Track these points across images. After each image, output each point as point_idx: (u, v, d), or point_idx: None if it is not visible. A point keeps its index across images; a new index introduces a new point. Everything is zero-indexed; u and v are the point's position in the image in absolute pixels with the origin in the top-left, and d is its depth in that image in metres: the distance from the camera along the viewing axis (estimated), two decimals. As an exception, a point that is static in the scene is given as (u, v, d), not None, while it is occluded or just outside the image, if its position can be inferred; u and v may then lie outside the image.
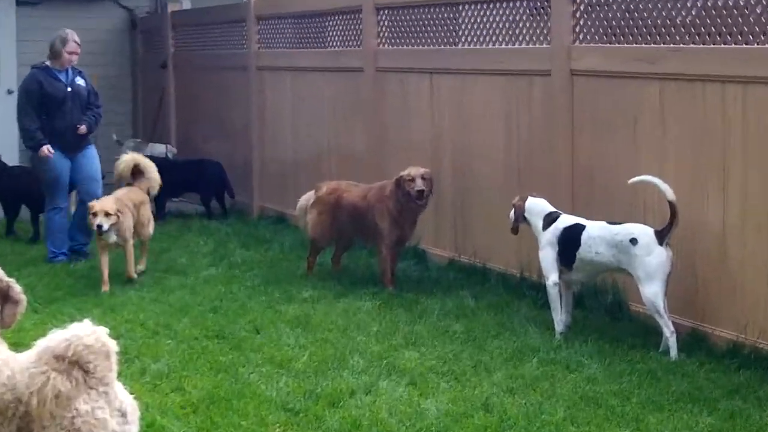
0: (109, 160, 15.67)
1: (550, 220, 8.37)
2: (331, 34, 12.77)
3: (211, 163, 14.68)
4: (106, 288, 10.05)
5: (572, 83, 9.08)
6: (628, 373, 7.31)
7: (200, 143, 15.81)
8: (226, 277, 10.42)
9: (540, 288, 9.25)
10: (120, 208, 10.20)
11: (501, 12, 9.99)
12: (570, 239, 8.15)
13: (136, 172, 11.12)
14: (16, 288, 5.25)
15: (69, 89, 11.21)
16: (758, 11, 7.46)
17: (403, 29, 11.41)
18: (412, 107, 11.25)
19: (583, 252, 8.05)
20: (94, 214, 9.94)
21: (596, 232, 8.01)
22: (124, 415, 4.60)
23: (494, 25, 10.09)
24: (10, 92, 17.11)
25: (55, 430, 4.37)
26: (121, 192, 10.85)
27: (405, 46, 11.39)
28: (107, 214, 9.94)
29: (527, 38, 9.70)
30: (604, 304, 8.72)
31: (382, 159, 11.64)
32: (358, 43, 11.97)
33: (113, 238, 10.17)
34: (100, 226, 9.91)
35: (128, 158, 11.12)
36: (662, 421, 6.41)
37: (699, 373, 7.29)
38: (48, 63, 11.29)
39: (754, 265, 7.55)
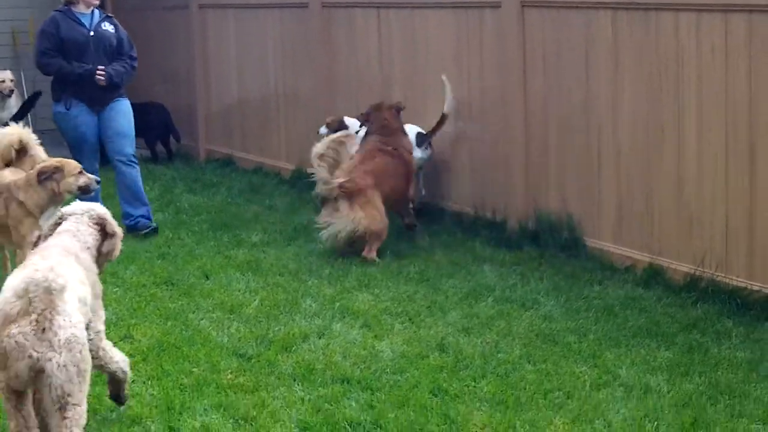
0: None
1: None
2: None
3: (154, 107, 14.52)
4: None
5: (522, 15, 9.08)
6: (584, 309, 7.40)
7: (143, 86, 15.64)
8: (173, 222, 10.39)
9: (494, 227, 9.32)
10: None
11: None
12: None
13: (21, 151, 8.66)
14: (112, 222, 5.86)
15: (92, 34, 10.11)
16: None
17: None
18: (360, 44, 11.24)
19: None
20: (80, 173, 8.01)
21: None
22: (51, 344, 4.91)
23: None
24: None
25: None
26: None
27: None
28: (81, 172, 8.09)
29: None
30: (559, 241, 8.78)
31: (330, 99, 11.61)
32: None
33: None
34: (87, 186, 8.00)
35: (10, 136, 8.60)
36: (619, 356, 6.49)
37: (656, 307, 7.39)
38: (66, 5, 10.24)
39: (711, 198, 7.60)
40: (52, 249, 5.32)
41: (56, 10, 10.36)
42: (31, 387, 4.96)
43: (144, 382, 6.29)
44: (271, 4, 12.63)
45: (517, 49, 9.15)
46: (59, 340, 4.72)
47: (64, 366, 4.74)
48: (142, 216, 10.04)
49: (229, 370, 6.46)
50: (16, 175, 7.94)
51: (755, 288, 7.27)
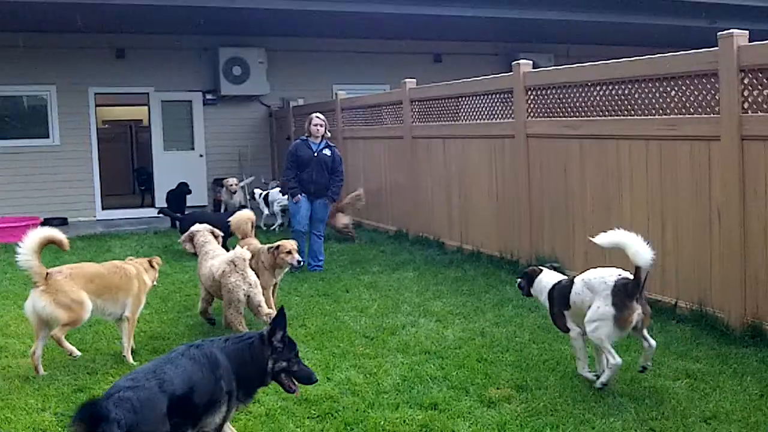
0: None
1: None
2: (384, 118, 12.71)
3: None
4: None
5: (527, 143, 8.97)
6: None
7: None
8: (328, 260, 10.20)
9: (512, 263, 9.17)
10: None
11: (484, 101, 9.89)
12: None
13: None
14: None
15: (315, 155, 9.82)
16: (636, 96, 7.33)
17: (427, 113, 11.33)
18: (432, 158, 11.16)
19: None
20: (289, 252, 7.41)
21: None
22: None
23: (481, 109, 9.99)
24: (201, 156, 17.26)
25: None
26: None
27: (428, 123, 11.30)
28: (297, 251, 7.57)
29: (500, 115, 9.58)
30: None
31: (415, 190, 11.57)
32: (401, 121, 11.91)
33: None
34: (299, 261, 7.48)
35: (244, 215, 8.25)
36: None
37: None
38: (306, 136, 9.98)
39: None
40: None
41: (298, 138, 10.15)
42: None
43: (312, 351, 6.26)
44: (383, 137, 12.65)
45: (524, 161, 9.03)
46: None
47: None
48: (317, 265, 9.74)
49: (360, 345, 6.42)
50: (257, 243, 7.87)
51: (666, 300, 7.04)
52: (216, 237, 7.34)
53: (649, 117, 7.18)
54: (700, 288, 6.74)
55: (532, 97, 8.87)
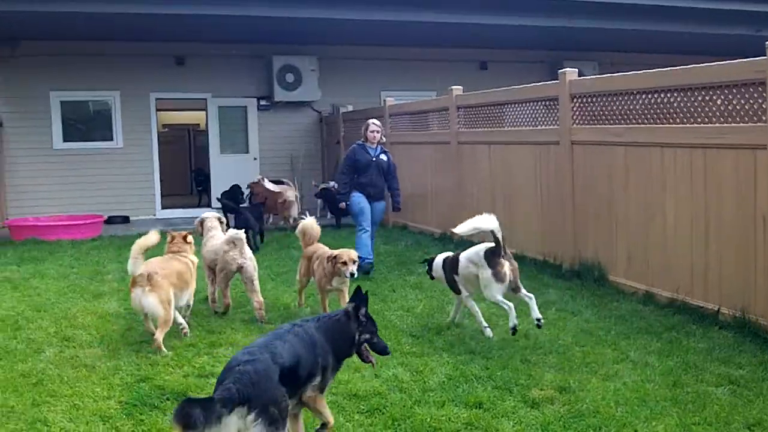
0: (310, 197, 15.93)
1: None
2: (431, 123, 12.69)
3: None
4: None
5: (572, 149, 8.86)
6: (608, 317, 7.09)
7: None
8: (376, 261, 10.12)
9: (555, 267, 9.06)
10: None
11: (529, 108, 9.79)
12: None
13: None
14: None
15: (373, 160, 9.72)
16: (681, 104, 7.19)
17: (472, 119, 11.26)
18: (478, 163, 11.08)
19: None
20: (345, 263, 7.09)
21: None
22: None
23: (525, 115, 9.89)
24: (255, 159, 17.38)
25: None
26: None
27: (474, 129, 11.23)
28: (354, 262, 7.18)
29: (544, 122, 9.48)
30: (593, 277, 8.45)
31: (460, 193, 11.49)
32: (447, 127, 11.86)
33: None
34: (352, 274, 7.08)
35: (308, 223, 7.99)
36: (629, 344, 6.21)
37: (651, 316, 7.04)
38: (362, 141, 9.80)
39: (682, 249, 7.27)
40: None
41: (355, 144, 9.92)
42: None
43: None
44: (429, 142, 12.63)
45: (569, 167, 8.92)
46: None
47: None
48: (367, 261, 9.54)
49: (407, 344, 6.37)
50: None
51: (709, 306, 6.90)
52: (222, 224, 8.28)
53: (694, 125, 7.03)
54: (743, 295, 6.58)
55: (577, 104, 8.75)
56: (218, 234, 8.03)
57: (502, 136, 10.40)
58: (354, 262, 7.12)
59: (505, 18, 14.71)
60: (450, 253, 7.02)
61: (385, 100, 14.53)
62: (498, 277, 6.31)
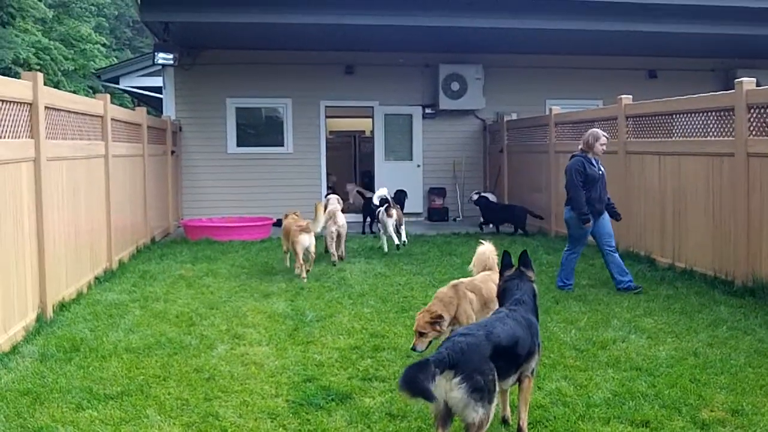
0: (468, 207, 15.94)
1: None
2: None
3: (518, 206, 14.67)
4: None
5: (748, 161, 8.42)
6: (786, 338, 6.67)
7: (520, 195, 15.64)
8: (538, 270, 9.79)
9: (726, 283, 8.63)
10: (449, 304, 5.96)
11: (700, 118, 9.41)
12: None
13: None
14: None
15: (600, 172, 8.83)
16: None
17: (641, 129, 10.93)
18: (646, 172, 10.74)
19: None
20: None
21: None
22: None
23: (695, 126, 9.51)
24: (418, 166, 17.57)
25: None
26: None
27: (642, 138, 10.89)
28: (421, 334, 5.75)
29: (715, 133, 9.08)
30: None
31: (627, 201, 11.13)
32: (615, 137, 11.53)
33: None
34: (414, 349, 5.76)
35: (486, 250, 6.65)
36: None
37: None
38: (584, 152, 8.89)
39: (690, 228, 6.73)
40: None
41: (575, 155, 8.93)
42: None
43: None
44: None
45: (744, 179, 8.50)
46: None
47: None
48: (629, 281, 8.83)
49: (570, 357, 6.24)
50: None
51: None
52: (341, 202, 11.29)
53: None
54: None
55: (754, 115, 8.30)
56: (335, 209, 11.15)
57: (673, 146, 10.02)
58: (420, 334, 5.79)
59: (673, 25, 14.29)
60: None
61: (550, 109, 14.32)
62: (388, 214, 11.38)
